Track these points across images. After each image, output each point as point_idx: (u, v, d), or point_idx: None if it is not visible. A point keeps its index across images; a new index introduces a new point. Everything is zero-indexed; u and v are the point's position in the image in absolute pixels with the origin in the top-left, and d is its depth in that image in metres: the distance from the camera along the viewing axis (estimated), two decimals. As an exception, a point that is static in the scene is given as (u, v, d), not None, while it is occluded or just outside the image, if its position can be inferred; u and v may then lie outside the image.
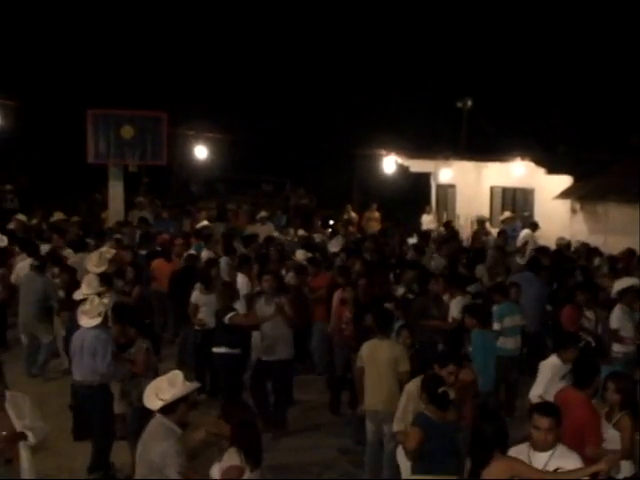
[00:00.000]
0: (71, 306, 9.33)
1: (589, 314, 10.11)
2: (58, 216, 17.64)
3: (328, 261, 13.59)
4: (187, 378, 5.62)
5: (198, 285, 10.51)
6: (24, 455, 5.72)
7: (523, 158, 19.34)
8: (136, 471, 5.45)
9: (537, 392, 7.29)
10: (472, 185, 21.46)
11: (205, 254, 13.35)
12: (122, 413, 8.10)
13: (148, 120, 19.35)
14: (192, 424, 6.00)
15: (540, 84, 24.71)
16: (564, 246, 15.53)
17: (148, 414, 5.53)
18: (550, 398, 6.51)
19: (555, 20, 23.96)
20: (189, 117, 23.05)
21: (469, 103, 24.44)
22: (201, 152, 21.61)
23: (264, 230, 17.25)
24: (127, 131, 18.92)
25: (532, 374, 8.19)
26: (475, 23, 25.42)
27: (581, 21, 23.37)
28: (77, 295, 9.24)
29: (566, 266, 13.16)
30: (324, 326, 10.96)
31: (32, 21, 26.10)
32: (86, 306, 8.06)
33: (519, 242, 16.35)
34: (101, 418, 7.96)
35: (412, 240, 16.74)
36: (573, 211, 18.50)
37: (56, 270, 11.86)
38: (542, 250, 14.10)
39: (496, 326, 9.66)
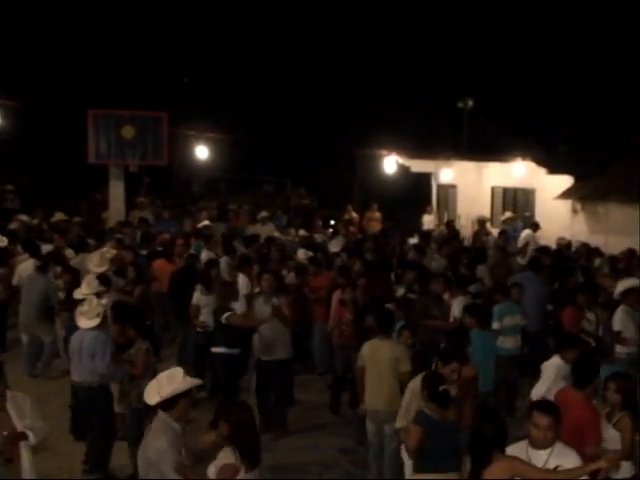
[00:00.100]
0: (71, 306, 9.33)
1: (590, 315, 10.11)
2: (59, 216, 17.65)
3: (329, 261, 13.59)
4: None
5: (199, 286, 10.51)
6: (25, 455, 5.71)
7: (524, 158, 19.35)
8: (139, 469, 5.45)
9: (540, 392, 7.30)
10: (473, 185, 21.46)
11: (205, 255, 13.35)
12: (122, 413, 8.09)
13: (149, 120, 19.36)
14: (194, 421, 6.00)
15: (541, 84, 24.71)
16: (564, 246, 15.54)
17: (147, 415, 5.53)
18: (552, 398, 6.52)
19: (556, 20, 23.94)
20: (190, 117, 23.09)
21: (470, 103, 24.47)
22: (202, 152, 21.62)
23: (265, 230, 17.24)
24: (128, 131, 18.93)
25: (533, 374, 8.20)
26: (476, 23, 25.41)
27: (582, 21, 23.36)
28: (77, 294, 9.24)
29: (567, 266, 13.16)
30: (324, 326, 10.95)
31: (33, 21, 26.09)
32: (84, 307, 8.05)
33: (520, 242, 16.35)
34: (101, 419, 7.95)
35: (413, 240, 16.73)
36: (574, 211, 18.50)
37: (58, 270, 11.87)
38: (543, 250, 14.12)
39: (496, 325, 9.68)
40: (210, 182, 30.54)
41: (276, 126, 27.13)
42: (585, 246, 15.20)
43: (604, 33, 23.10)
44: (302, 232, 17.80)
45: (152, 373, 7.73)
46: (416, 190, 24.69)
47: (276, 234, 17.21)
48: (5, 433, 5.58)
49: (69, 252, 13.43)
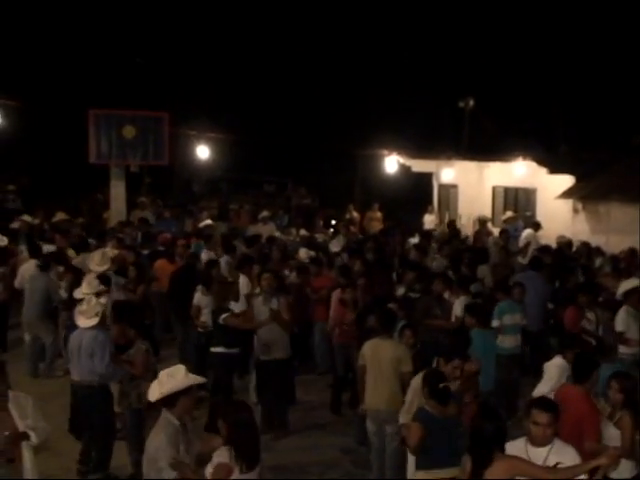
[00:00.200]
0: (71, 306, 9.35)
1: (590, 315, 10.12)
2: (60, 216, 17.65)
3: (330, 261, 13.59)
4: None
5: (200, 287, 10.52)
6: (26, 455, 5.72)
7: (525, 158, 19.33)
8: (143, 467, 5.47)
9: (542, 392, 7.29)
10: (474, 185, 21.45)
11: (205, 255, 13.36)
12: (122, 413, 8.10)
13: (150, 120, 19.37)
14: (196, 420, 6.01)
15: (542, 84, 24.69)
16: (565, 244, 15.53)
17: (147, 415, 5.55)
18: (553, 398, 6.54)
19: (557, 20, 23.93)
20: (191, 117, 23.08)
21: (471, 103, 24.44)
22: (203, 152, 21.62)
23: (266, 230, 17.24)
24: (129, 131, 18.94)
25: (535, 374, 8.20)
26: (477, 23, 25.39)
27: (582, 21, 23.34)
28: (77, 294, 9.25)
29: (567, 265, 13.17)
30: (325, 326, 10.97)
31: (34, 21, 26.10)
32: (83, 306, 8.04)
33: (521, 242, 16.34)
34: (101, 418, 7.95)
35: (414, 240, 16.73)
36: (575, 211, 18.49)
37: (60, 269, 11.89)
38: (544, 249, 14.14)
39: (495, 323, 9.70)
40: (211, 182, 30.54)
41: (277, 126, 27.11)
42: (586, 245, 15.20)
43: (604, 33, 23.09)
44: (303, 232, 17.80)
45: (152, 373, 7.76)
46: (417, 190, 24.67)
47: (277, 234, 17.22)
48: (6, 433, 5.59)
49: (70, 252, 13.44)
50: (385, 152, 22.54)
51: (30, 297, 11.58)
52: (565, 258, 14.07)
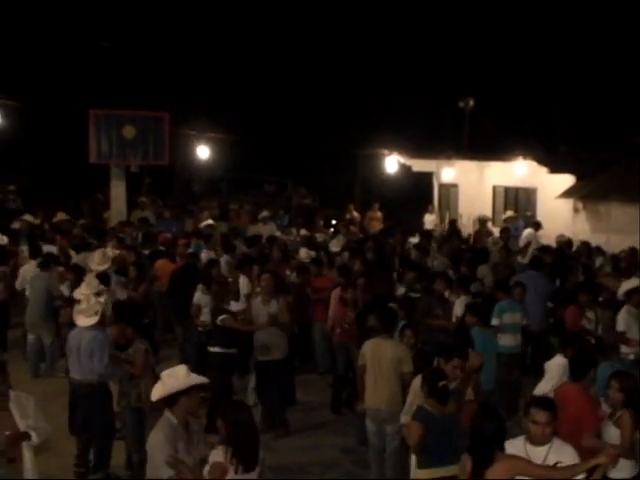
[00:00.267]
0: (73, 303, 9.34)
1: (589, 314, 10.14)
2: (61, 216, 17.66)
3: (331, 261, 13.58)
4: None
5: (200, 286, 10.53)
6: (27, 455, 5.71)
7: (525, 157, 19.34)
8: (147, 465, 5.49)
9: (543, 391, 7.30)
10: (474, 184, 21.46)
11: (205, 255, 13.36)
12: (121, 412, 8.10)
13: (150, 120, 19.38)
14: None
15: (542, 84, 24.68)
16: (564, 243, 15.54)
17: (149, 415, 5.55)
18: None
19: (557, 19, 23.93)
20: (191, 117, 23.08)
21: (471, 103, 24.45)
22: (203, 152, 21.64)
23: (266, 230, 17.25)
24: (129, 131, 18.95)
25: (537, 373, 8.19)
26: (477, 22, 25.38)
27: (583, 21, 23.34)
28: (76, 295, 9.24)
29: (567, 264, 13.17)
30: (325, 326, 10.98)
31: (34, 21, 26.10)
32: (82, 305, 8.03)
33: (522, 242, 16.36)
34: (101, 417, 7.95)
35: (414, 239, 16.73)
36: (575, 210, 18.50)
37: (60, 269, 11.89)
38: (545, 249, 14.14)
39: (495, 321, 9.71)
40: (211, 182, 30.53)
41: (277, 126, 27.12)
42: (586, 245, 15.21)
43: (605, 33, 23.08)
44: (303, 232, 17.81)
45: (151, 373, 7.77)
46: (417, 189, 24.67)
47: (277, 234, 17.22)
48: (7, 433, 5.59)
49: (72, 253, 13.45)
50: (385, 152, 22.55)
51: (32, 297, 11.59)
52: (565, 257, 14.08)
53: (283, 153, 27.53)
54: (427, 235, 16.89)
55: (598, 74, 23.51)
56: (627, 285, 10.03)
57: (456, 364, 6.69)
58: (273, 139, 25.98)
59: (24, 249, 13.94)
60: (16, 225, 16.81)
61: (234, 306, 9.91)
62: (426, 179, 23.60)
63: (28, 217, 17.03)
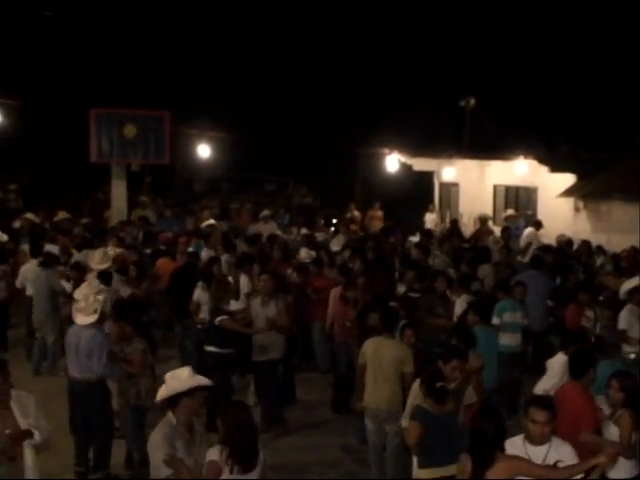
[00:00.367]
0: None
1: (589, 313, 10.13)
2: (61, 215, 17.66)
3: (332, 260, 13.57)
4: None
5: (200, 283, 10.52)
6: (28, 453, 5.72)
7: (526, 156, 19.34)
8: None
9: (543, 388, 7.31)
10: (475, 183, 21.46)
11: (205, 254, 13.36)
12: (120, 411, 8.10)
13: (151, 119, 19.38)
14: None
15: (543, 83, 24.66)
16: (564, 243, 15.54)
17: (152, 415, 5.56)
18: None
19: (558, 19, 23.91)
20: (192, 116, 23.05)
21: (472, 102, 24.45)
22: (204, 151, 21.64)
23: (267, 229, 17.24)
24: (130, 130, 18.95)
25: (537, 373, 8.19)
26: (478, 21, 25.37)
27: (584, 20, 23.32)
28: (76, 295, 9.24)
29: (568, 263, 13.17)
30: (324, 325, 10.98)
31: (34, 20, 26.10)
32: (81, 304, 8.01)
33: (523, 241, 16.36)
34: (100, 417, 7.94)
35: (414, 238, 16.72)
36: (576, 209, 18.49)
37: (61, 269, 11.89)
38: (545, 248, 14.14)
39: (495, 320, 9.70)
40: (212, 181, 30.50)
41: (278, 125, 27.08)
42: (586, 244, 15.21)
43: (604, 33, 23.06)
44: (304, 231, 17.79)
45: (150, 371, 7.77)
46: (418, 189, 24.68)
47: (278, 233, 17.21)
48: (8, 431, 5.59)
49: (73, 252, 13.45)
50: (386, 151, 22.56)
51: (35, 296, 11.61)
52: (566, 256, 14.08)
53: (284, 152, 27.52)
54: (428, 234, 16.88)
55: (599, 73, 23.49)
56: (629, 284, 10.05)
57: (455, 365, 6.67)
58: (274, 138, 25.96)
59: (25, 248, 13.93)
60: (17, 224, 16.81)
61: (234, 305, 9.91)
62: (427, 178, 23.60)
63: (30, 215, 17.03)
